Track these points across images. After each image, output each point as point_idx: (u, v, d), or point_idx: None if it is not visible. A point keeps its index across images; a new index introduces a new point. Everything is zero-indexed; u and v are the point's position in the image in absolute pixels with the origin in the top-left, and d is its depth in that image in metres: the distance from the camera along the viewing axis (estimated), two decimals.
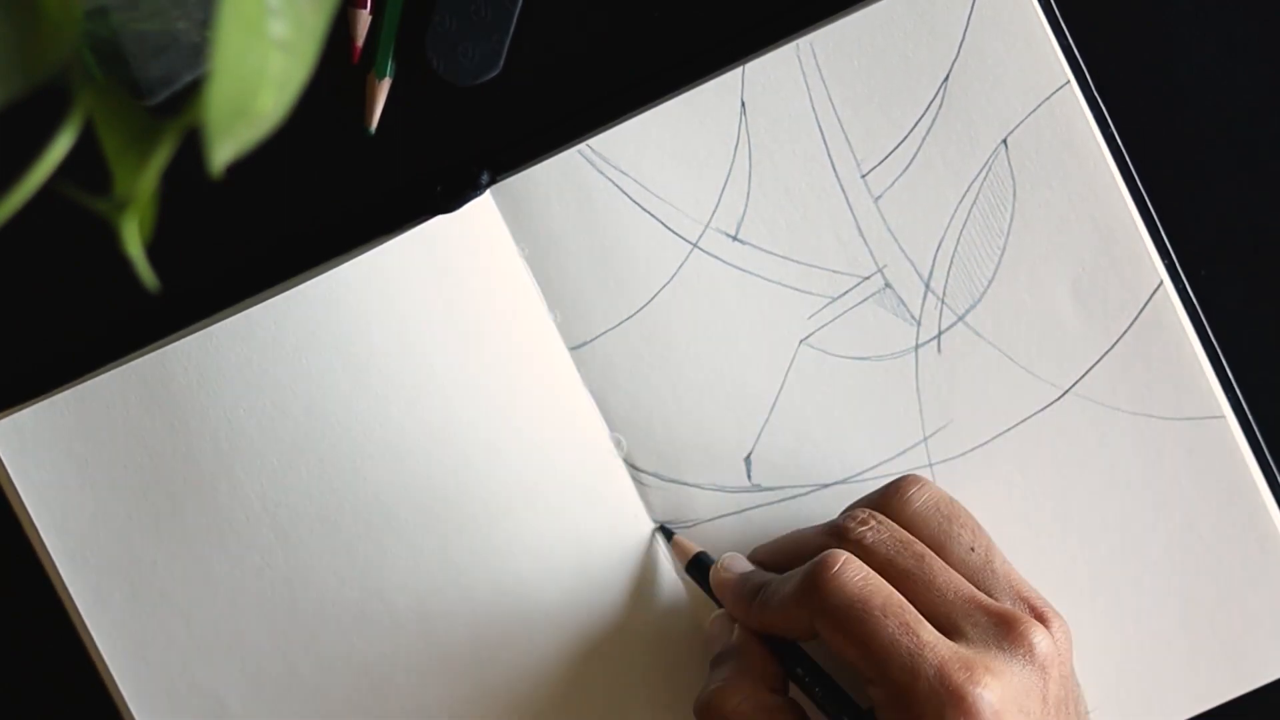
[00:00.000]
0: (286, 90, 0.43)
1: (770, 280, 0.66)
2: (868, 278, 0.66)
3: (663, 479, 0.67)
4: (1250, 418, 0.67)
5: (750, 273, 0.66)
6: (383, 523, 0.66)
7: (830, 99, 0.66)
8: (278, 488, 0.66)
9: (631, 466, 0.67)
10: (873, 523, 0.61)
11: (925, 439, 0.67)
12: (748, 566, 0.64)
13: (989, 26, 0.65)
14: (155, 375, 0.66)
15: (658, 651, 0.67)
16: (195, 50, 0.60)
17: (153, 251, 0.47)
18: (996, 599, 0.60)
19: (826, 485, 0.67)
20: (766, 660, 0.62)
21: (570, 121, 0.67)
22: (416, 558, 0.66)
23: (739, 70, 0.65)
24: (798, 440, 0.67)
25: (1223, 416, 0.66)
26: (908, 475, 0.63)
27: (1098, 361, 0.66)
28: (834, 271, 0.66)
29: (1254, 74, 0.66)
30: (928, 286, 0.66)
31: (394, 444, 0.66)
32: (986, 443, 0.67)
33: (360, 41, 0.66)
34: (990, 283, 0.66)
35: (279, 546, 0.66)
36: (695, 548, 0.66)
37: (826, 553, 0.60)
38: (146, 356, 0.66)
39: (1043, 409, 0.67)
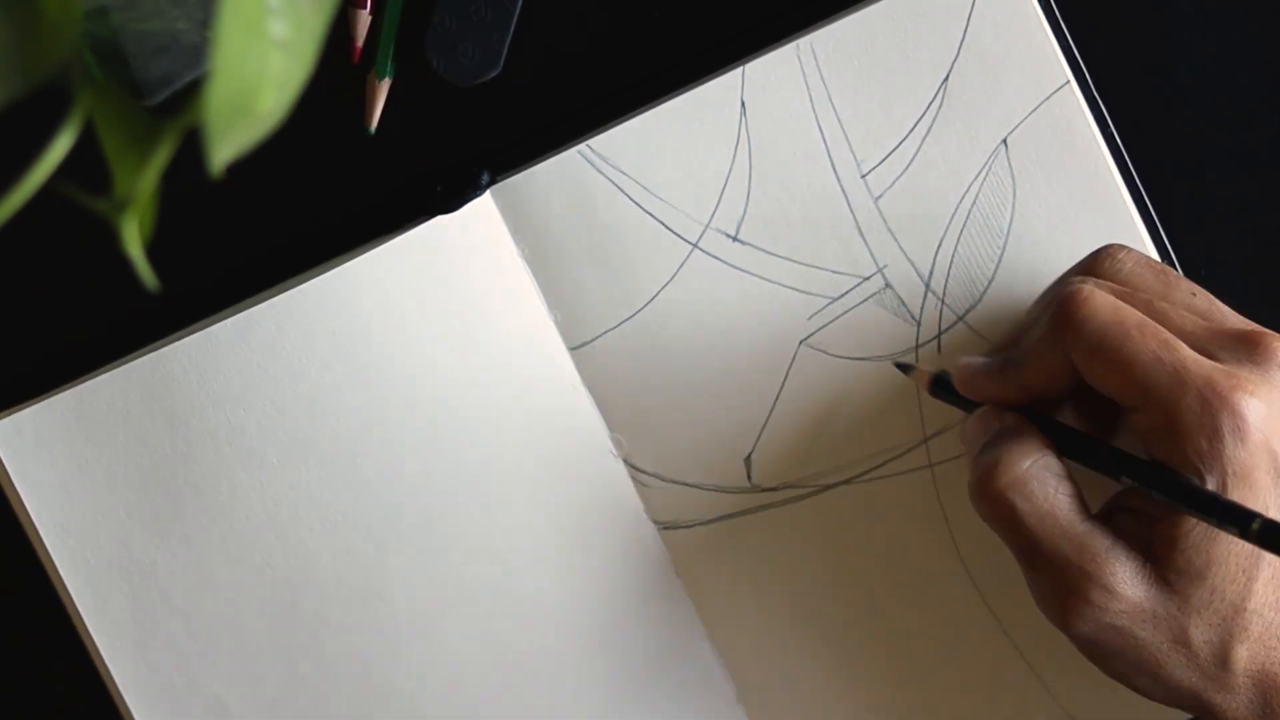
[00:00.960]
0: (286, 90, 0.43)
1: (770, 280, 0.66)
2: (868, 278, 0.66)
3: (663, 479, 0.67)
4: None
5: (750, 273, 0.66)
6: (383, 522, 0.66)
7: (830, 99, 0.66)
8: (278, 487, 0.66)
9: (631, 467, 0.67)
10: (1089, 282, 0.60)
11: (926, 439, 0.67)
12: (985, 359, 0.62)
13: (989, 26, 0.65)
14: (155, 375, 0.66)
15: (657, 650, 0.67)
16: (195, 50, 0.60)
17: (153, 251, 0.47)
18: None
19: (827, 486, 0.67)
20: (1039, 433, 0.59)
21: (570, 121, 0.67)
22: (416, 558, 0.66)
23: (739, 70, 0.65)
24: (798, 441, 0.67)
25: None
26: (1109, 245, 0.62)
27: None
28: (834, 272, 0.66)
29: (1254, 74, 0.67)
30: (928, 287, 0.66)
31: (394, 444, 0.66)
32: None
33: (360, 41, 0.66)
34: (990, 283, 0.66)
35: (279, 546, 0.66)
36: (932, 369, 0.64)
37: (1072, 287, 0.58)
38: (147, 356, 0.66)
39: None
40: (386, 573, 0.66)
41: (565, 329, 0.66)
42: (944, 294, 0.66)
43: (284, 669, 0.67)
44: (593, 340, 0.67)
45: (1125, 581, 0.57)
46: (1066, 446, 0.60)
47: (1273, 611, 0.56)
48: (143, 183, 0.45)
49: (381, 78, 0.66)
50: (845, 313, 0.66)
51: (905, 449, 0.67)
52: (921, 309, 0.66)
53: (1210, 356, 0.57)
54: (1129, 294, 0.59)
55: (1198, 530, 0.56)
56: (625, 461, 0.67)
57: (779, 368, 0.67)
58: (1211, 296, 0.61)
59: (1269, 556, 0.56)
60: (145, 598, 0.66)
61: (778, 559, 0.67)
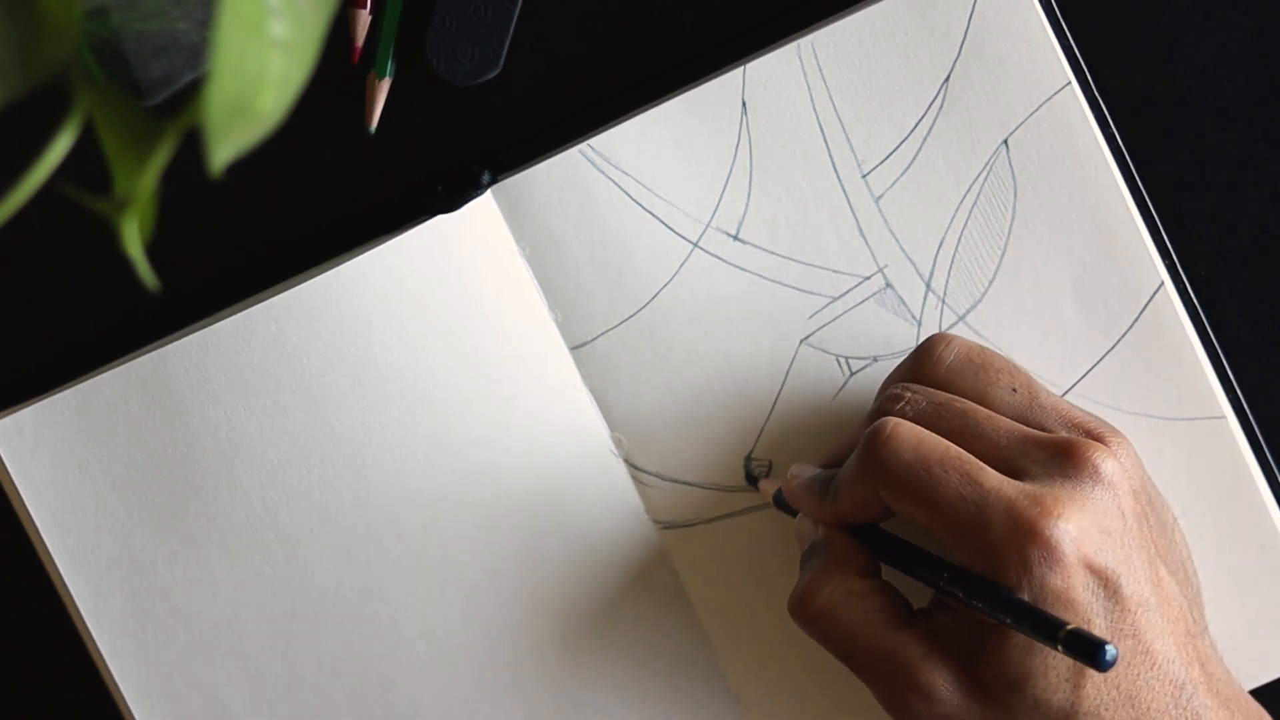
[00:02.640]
0: (286, 90, 0.43)
1: (771, 280, 0.66)
2: (868, 277, 0.66)
3: (663, 479, 0.67)
4: (1251, 418, 0.67)
5: (751, 272, 0.66)
6: (383, 522, 0.66)
7: (831, 99, 0.66)
8: (278, 487, 0.66)
9: (632, 466, 0.67)
10: (908, 395, 0.60)
11: None
12: (812, 470, 0.63)
13: (990, 27, 0.65)
14: (156, 375, 0.66)
15: (657, 651, 0.67)
16: (195, 50, 0.60)
17: (153, 251, 0.47)
18: (1051, 432, 0.59)
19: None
20: (852, 548, 0.61)
21: (571, 121, 0.67)
22: (416, 557, 0.66)
23: (740, 70, 0.65)
24: (799, 440, 0.67)
25: (1223, 417, 0.66)
26: (933, 335, 0.62)
27: (1098, 362, 0.66)
28: (835, 271, 0.66)
29: (1254, 74, 0.66)
30: (929, 286, 0.66)
31: (394, 443, 0.66)
32: None
33: (360, 41, 0.66)
34: (991, 283, 0.66)
35: (279, 546, 0.66)
36: (776, 484, 0.65)
37: (878, 422, 0.59)
38: (147, 356, 0.66)
39: None
40: (386, 572, 0.66)
41: (566, 328, 0.66)
42: (944, 294, 0.66)
43: (284, 668, 0.67)
44: (593, 340, 0.67)
45: (943, 689, 0.57)
46: (885, 553, 0.61)
47: (1110, 711, 0.56)
48: (143, 183, 0.45)
49: (381, 78, 0.66)
50: (846, 312, 0.66)
51: None
52: (922, 309, 0.66)
53: (1023, 470, 0.57)
54: (943, 404, 0.60)
55: (1016, 641, 0.56)
56: (625, 461, 0.67)
57: (780, 367, 0.67)
58: (1035, 387, 0.61)
59: None
60: (145, 597, 0.66)
61: (778, 558, 0.67)
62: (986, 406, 0.60)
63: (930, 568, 0.59)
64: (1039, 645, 0.55)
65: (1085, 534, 0.55)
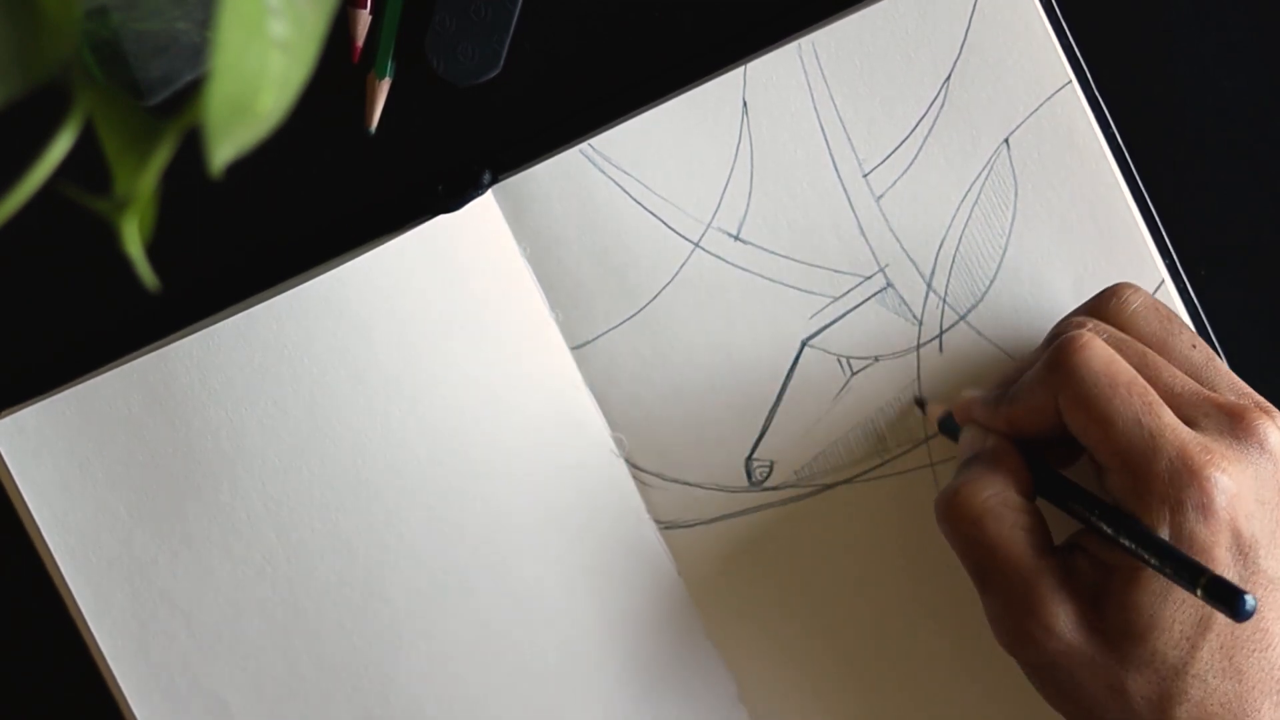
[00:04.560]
0: (286, 90, 0.43)
1: (772, 280, 0.66)
2: (869, 277, 0.66)
3: (664, 479, 0.67)
4: None
5: (752, 272, 0.66)
6: (383, 522, 0.66)
7: (832, 98, 0.66)
8: (279, 487, 0.66)
9: (633, 466, 0.67)
10: (1091, 324, 0.60)
11: (927, 439, 0.67)
12: (987, 393, 0.63)
13: (991, 26, 0.65)
14: (157, 374, 0.66)
15: (658, 651, 0.67)
16: (195, 50, 0.60)
17: (153, 251, 0.47)
18: (1222, 395, 0.59)
19: (829, 486, 0.67)
20: (1017, 462, 0.60)
21: (571, 121, 0.67)
22: (417, 557, 0.66)
23: (741, 69, 0.65)
24: (800, 440, 0.67)
25: None
26: (1120, 282, 0.62)
27: None
28: (836, 271, 0.66)
29: (1254, 74, 0.66)
30: (929, 286, 0.66)
31: (395, 443, 0.66)
32: None
33: (360, 41, 0.66)
34: (992, 282, 0.66)
35: (280, 545, 0.66)
36: (945, 408, 0.65)
37: (1072, 332, 0.59)
38: (148, 356, 0.66)
39: None
40: (387, 572, 0.66)
41: (566, 328, 0.66)
42: (945, 293, 0.66)
43: (284, 668, 0.67)
44: (594, 339, 0.67)
45: (1066, 625, 0.57)
46: (1040, 482, 0.61)
47: (1217, 678, 0.56)
48: (143, 183, 0.45)
49: (381, 78, 0.66)
50: (847, 312, 0.66)
51: (906, 449, 0.67)
52: (923, 308, 0.66)
53: (1194, 423, 0.58)
54: (1128, 343, 0.60)
55: (1147, 591, 0.56)
56: (626, 461, 0.67)
57: (781, 367, 0.67)
58: (1211, 352, 0.61)
59: (1218, 625, 0.56)
60: (146, 596, 0.66)
61: (779, 558, 0.67)
62: (1164, 357, 0.60)
63: (1084, 502, 0.59)
64: (1169, 599, 0.56)
65: (1242, 496, 0.56)
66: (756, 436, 0.67)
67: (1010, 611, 0.58)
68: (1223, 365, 0.61)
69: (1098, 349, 0.58)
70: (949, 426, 0.65)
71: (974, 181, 0.66)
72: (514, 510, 0.66)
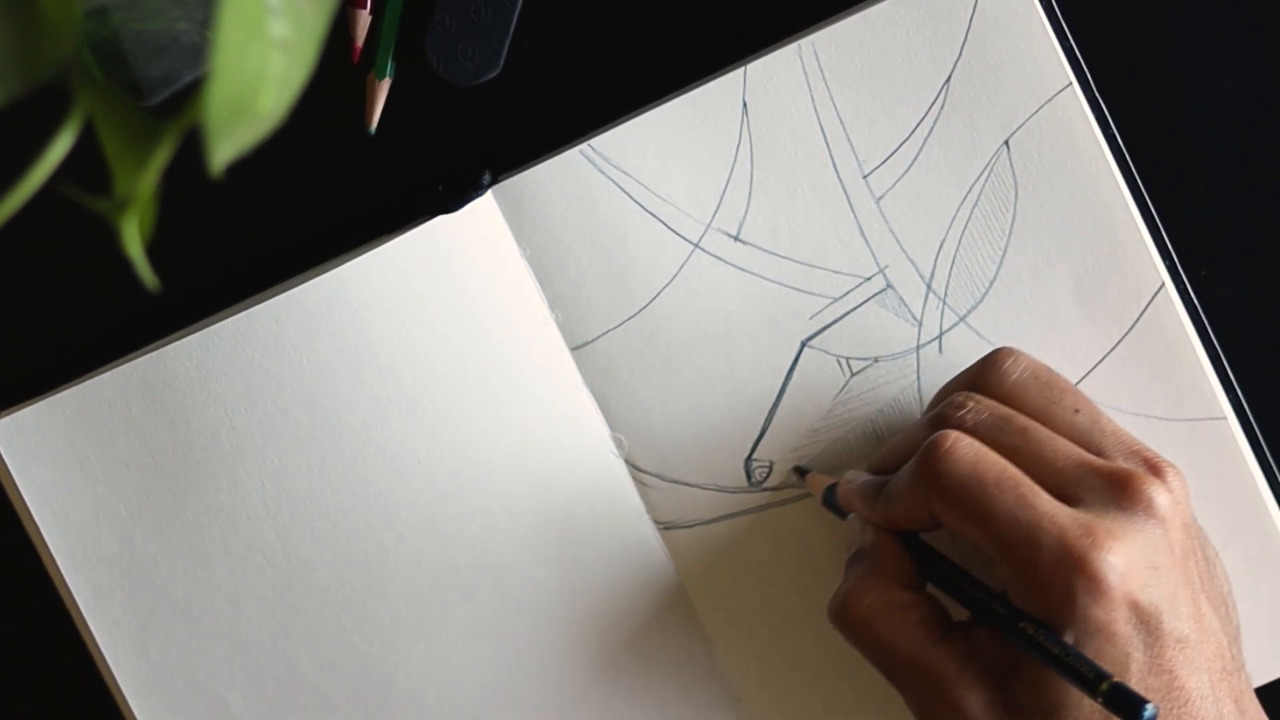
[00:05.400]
0: (286, 90, 0.43)
1: (772, 281, 0.66)
2: (869, 278, 0.66)
3: (664, 479, 0.67)
4: (1251, 418, 0.67)
5: (752, 273, 0.66)
6: (383, 522, 0.66)
7: (832, 99, 0.66)
8: (279, 487, 0.66)
9: (632, 467, 0.67)
10: (970, 404, 0.60)
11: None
12: (867, 476, 0.63)
13: (991, 28, 0.65)
14: (157, 374, 0.66)
15: (657, 651, 0.67)
16: (195, 50, 0.60)
17: (153, 251, 0.47)
18: (1109, 458, 0.59)
19: (829, 486, 0.67)
20: (899, 558, 0.61)
21: (571, 121, 0.67)
22: (417, 557, 0.66)
23: (741, 70, 0.65)
24: (799, 441, 0.67)
25: (1224, 417, 0.66)
26: (1000, 349, 0.62)
27: (1099, 362, 0.66)
28: (835, 272, 0.66)
29: (1254, 74, 0.66)
30: (929, 287, 0.66)
31: (395, 443, 0.66)
32: None
33: (360, 41, 0.66)
34: (992, 284, 0.66)
35: (280, 545, 0.66)
36: (828, 480, 0.65)
37: (937, 434, 0.59)
38: (148, 355, 0.66)
39: None
40: (386, 572, 0.66)
41: (566, 328, 0.66)
42: (945, 294, 0.66)
43: (284, 668, 0.67)
44: (594, 340, 0.67)
45: (975, 706, 0.57)
46: (930, 567, 0.61)
47: None
48: (143, 183, 0.45)
49: (381, 78, 0.66)
50: (847, 313, 0.66)
51: None
52: (923, 309, 0.66)
53: (1077, 497, 0.57)
54: (1006, 419, 0.60)
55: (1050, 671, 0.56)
56: (626, 461, 0.67)
57: (780, 368, 0.67)
58: (1096, 412, 0.61)
59: None
60: (146, 596, 0.66)
61: (778, 559, 0.67)
62: (1048, 426, 0.60)
63: (978, 593, 0.59)
64: None
65: (1133, 569, 0.56)
66: (756, 437, 0.67)
67: (922, 701, 0.58)
68: (1109, 423, 0.60)
69: (963, 450, 0.58)
70: (831, 501, 0.65)
71: (974, 183, 0.66)
72: (513, 510, 0.66)
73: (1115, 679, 0.54)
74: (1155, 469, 0.58)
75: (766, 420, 0.67)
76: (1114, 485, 0.57)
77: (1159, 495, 0.57)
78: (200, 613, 0.67)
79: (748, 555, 0.67)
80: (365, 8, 0.66)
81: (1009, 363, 0.61)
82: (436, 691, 0.67)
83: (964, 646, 0.58)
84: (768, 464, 0.67)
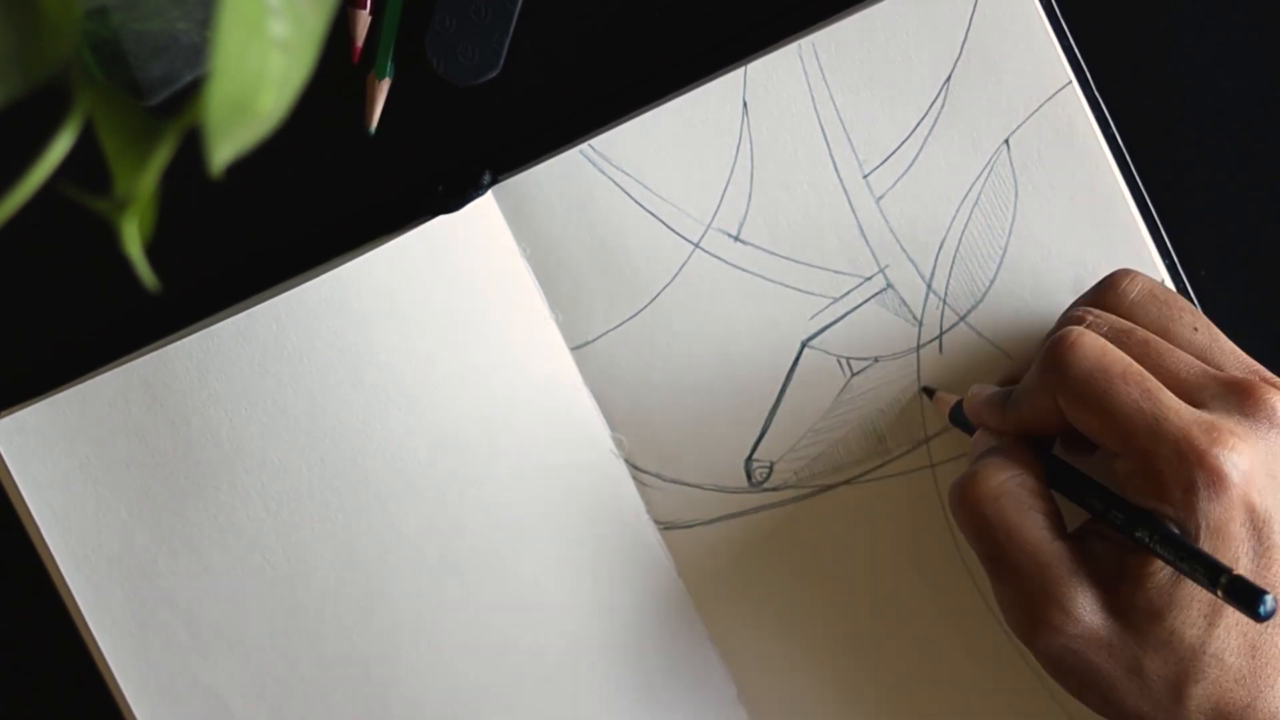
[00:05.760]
0: (286, 90, 0.43)
1: (772, 281, 0.66)
2: (869, 278, 0.66)
3: (664, 479, 0.67)
4: None
5: (752, 273, 0.66)
6: (383, 522, 0.66)
7: (832, 99, 0.66)
8: (279, 487, 0.66)
9: (632, 467, 0.67)
10: (1090, 318, 0.60)
11: (927, 439, 0.67)
12: (992, 388, 0.63)
13: (991, 27, 0.65)
14: (157, 374, 0.66)
15: (658, 651, 0.67)
16: (195, 50, 0.60)
17: (153, 251, 0.47)
18: (1228, 372, 0.59)
19: (829, 486, 0.67)
20: (1029, 453, 0.60)
21: (572, 121, 0.67)
22: (417, 557, 0.66)
23: (741, 70, 0.65)
24: (800, 441, 0.67)
25: None
26: (1117, 270, 0.62)
27: None
28: (836, 272, 0.66)
29: (1254, 74, 0.66)
30: (929, 287, 0.66)
31: (395, 443, 0.66)
32: None
33: (360, 41, 0.66)
34: (992, 283, 0.66)
35: (280, 545, 0.66)
36: (954, 397, 0.65)
37: (1062, 330, 0.59)
38: (148, 356, 0.66)
39: None
40: (387, 571, 0.66)
41: (566, 329, 0.66)
42: (945, 294, 0.66)
43: (284, 668, 0.67)
44: (594, 340, 0.67)
45: (1084, 608, 0.57)
46: (1054, 476, 0.60)
47: (1233, 656, 0.56)
48: (143, 183, 0.45)
49: (381, 78, 0.66)
50: (847, 313, 0.66)
51: (906, 449, 0.67)
52: (923, 309, 0.66)
53: (1200, 404, 0.58)
54: (1126, 332, 0.60)
55: (1164, 571, 0.56)
56: (626, 461, 0.67)
57: (781, 368, 0.67)
58: (1215, 331, 0.61)
59: None
60: (146, 596, 0.66)
61: (779, 559, 0.67)
62: (1168, 341, 0.60)
63: (1100, 496, 0.59)
64: (1184, 579, 0.56)
65: (1254, 473, 0.56)
66: (756, 437, 0.67)
67: (1026, 596, 0.58)
68: (1227, 343, 0.61)
69: (1089, 343, 0.58)
70: (959, 418, 0.65)
71: (974, 182, 0.66)
72: (514, 510, 0.66)
73: (1236, 571, 0.54)
74: (1274, 383, 0.58)
75: (767, 420, 0.67)
76: (1237, 393, 0.57)
77: None
78: (200, 612, 0.67)
79: (748, 555, 0.67)
80: (365, 8, 0.66)
81: (1126, 282, 0.61)
82: (437, 691, 0.67)
83: (1080, 549, 0.58)
84: (768, 464, 0.67)
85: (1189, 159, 0.67)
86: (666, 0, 0.66)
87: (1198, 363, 0.59)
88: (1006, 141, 0.66)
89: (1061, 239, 0.66)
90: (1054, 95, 0.65)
